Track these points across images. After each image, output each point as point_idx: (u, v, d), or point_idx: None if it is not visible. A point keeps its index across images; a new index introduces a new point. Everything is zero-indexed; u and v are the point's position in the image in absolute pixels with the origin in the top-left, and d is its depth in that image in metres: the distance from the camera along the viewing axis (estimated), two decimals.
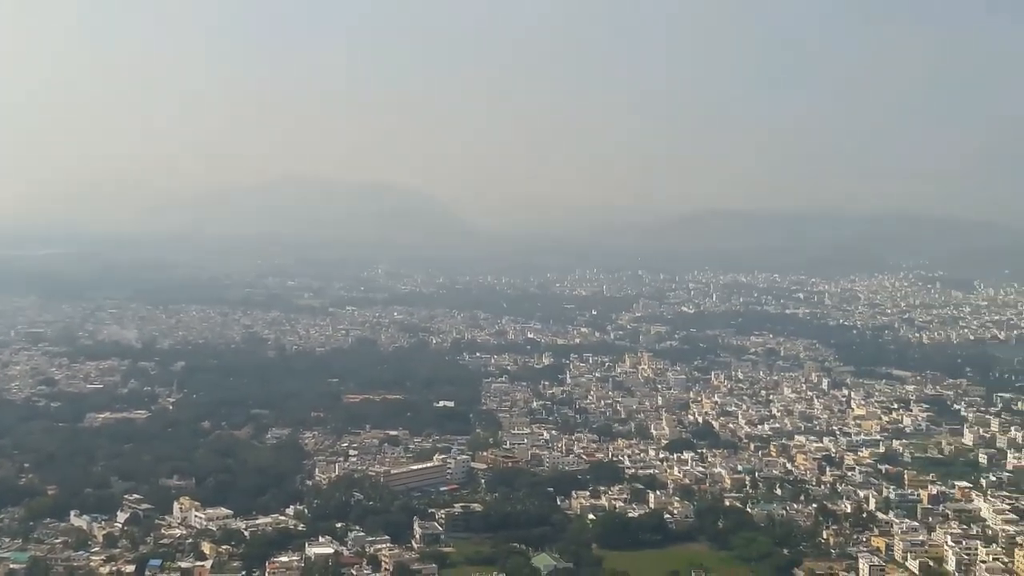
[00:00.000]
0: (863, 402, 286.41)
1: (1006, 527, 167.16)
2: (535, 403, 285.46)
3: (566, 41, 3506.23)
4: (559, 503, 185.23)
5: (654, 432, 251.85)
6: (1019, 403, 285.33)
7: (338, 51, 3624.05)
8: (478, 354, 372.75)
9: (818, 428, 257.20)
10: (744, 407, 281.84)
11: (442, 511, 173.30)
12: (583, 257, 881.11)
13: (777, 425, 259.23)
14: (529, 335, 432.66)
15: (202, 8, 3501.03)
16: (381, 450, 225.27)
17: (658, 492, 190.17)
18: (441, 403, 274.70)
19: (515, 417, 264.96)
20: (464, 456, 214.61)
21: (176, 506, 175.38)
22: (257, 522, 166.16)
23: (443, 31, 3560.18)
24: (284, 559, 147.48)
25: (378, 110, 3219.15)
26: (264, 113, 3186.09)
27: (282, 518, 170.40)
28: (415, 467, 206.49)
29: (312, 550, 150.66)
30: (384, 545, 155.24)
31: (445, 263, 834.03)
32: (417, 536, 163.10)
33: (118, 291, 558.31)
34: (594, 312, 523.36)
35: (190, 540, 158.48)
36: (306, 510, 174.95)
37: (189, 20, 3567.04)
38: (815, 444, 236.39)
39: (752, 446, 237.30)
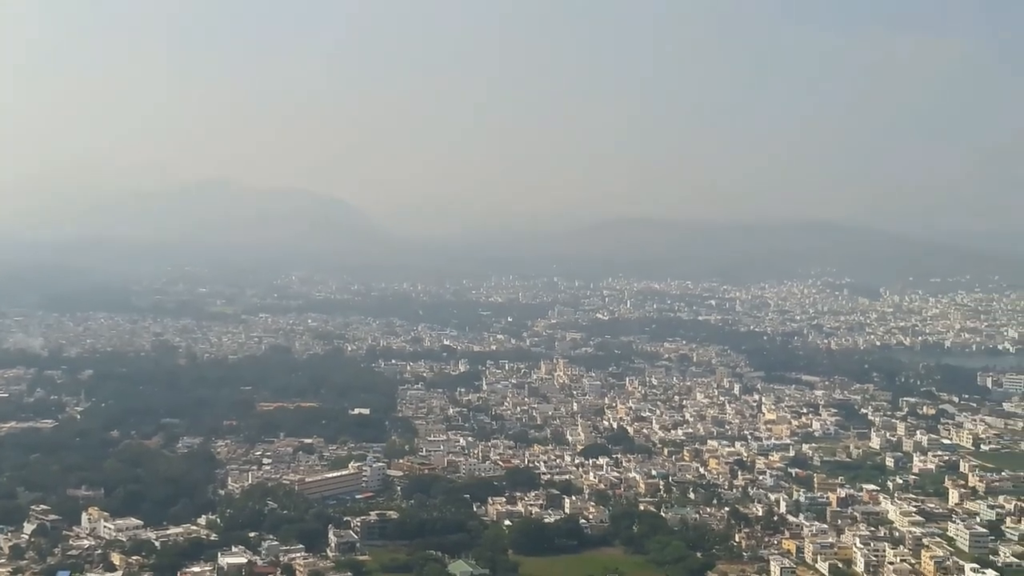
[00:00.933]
0: (774, 407, 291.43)
1: (912, 529, 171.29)
2: (451, 410, 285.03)
3: (479, 46, 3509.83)
4: (475, 510, 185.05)
5: (570, 438, 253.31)
6: (924, 407, 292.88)
7: (248, 55, 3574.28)
8: (394, 361, 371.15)
9: (730, 433, 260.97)
10: (658, 412, 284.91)
11: (358, 519, 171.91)
12: (500, 264, 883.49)
13: (690, 430, 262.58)
14: (445, 342, 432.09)
15: (106, 11, 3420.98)
16: (295, 458, 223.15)
17: (574, 497, 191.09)
18: (356, 411, 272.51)
19: (431, 424, 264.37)
20: (380, 464, 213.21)
21: (84, 517, 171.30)
22: (168, 532, 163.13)
23: (357, 36, 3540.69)
24: (196, 569, 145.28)
25: (292, 115, 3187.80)
26: (176, 118, 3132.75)
27: (194, 528, 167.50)
28: (330, 475, 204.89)
29: (225, 560, 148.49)
30: (298, 554, 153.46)
31: (360, 270, 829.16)
32: (332, 545, 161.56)
33: (23, 298, 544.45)
34: (510, 319, 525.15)
35: (99, 551, 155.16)
36: (218, 520, 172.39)
37: (103, 21, 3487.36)
38: (727, 448, 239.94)
39: (666, 451, 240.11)
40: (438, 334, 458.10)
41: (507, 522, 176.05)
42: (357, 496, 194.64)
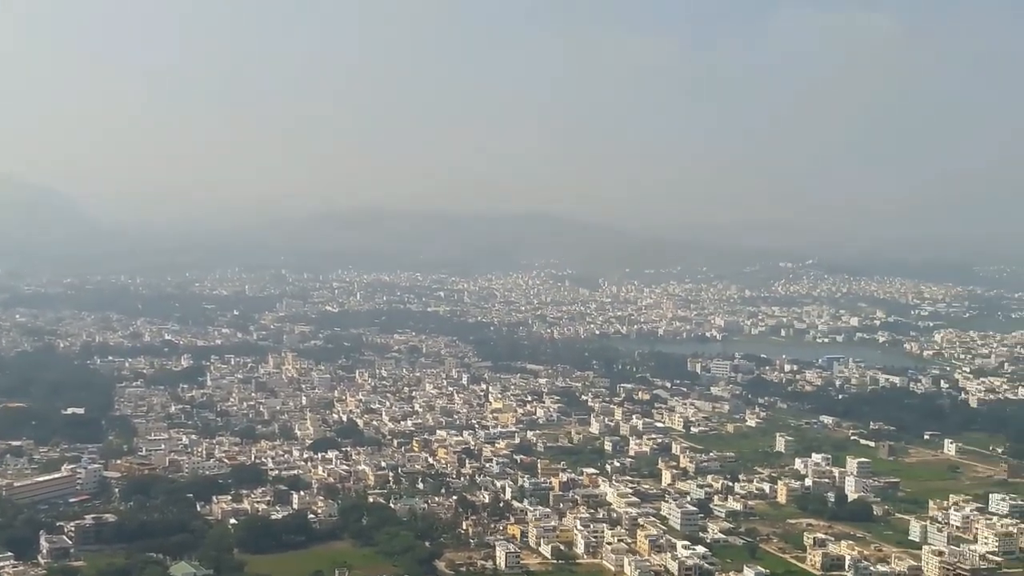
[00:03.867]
0: (500, 396, 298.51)
1: (629, 509, 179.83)
2: (173, 407, 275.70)
3: (207, 36, 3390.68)
4: (199, 509, 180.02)
5: (298, 432, 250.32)
6: (639, 393, 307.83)
7: None
8: (111, 358, 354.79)
9: (458, 422, 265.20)
10: (388, 404, 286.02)
11: (72, 524, 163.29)
12: (225, 255, 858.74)
13: (419, 421, 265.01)
14: (167, 336, 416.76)
15: None
16: (3, 462, 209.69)
17: (302, 492, 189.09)
18: (70, 410, 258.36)
19: (152, 423, 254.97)
20: (96, 465, 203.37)
21: None
22: None
23: (84, 18, 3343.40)
24: None
25: None
26: None
27: None
28: (41, 479, 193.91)
29: None
30: (7, 563, 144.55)
31: (74, 262, 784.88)
32: (44, 551, 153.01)
33: None
34: (236, 312, 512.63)
35: None
36: None
37: None
38: (455, 438, 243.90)
39: (395, 442, 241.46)
40: (159, 328, 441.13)
41: (233, 520, 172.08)
42: (71, 500, 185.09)
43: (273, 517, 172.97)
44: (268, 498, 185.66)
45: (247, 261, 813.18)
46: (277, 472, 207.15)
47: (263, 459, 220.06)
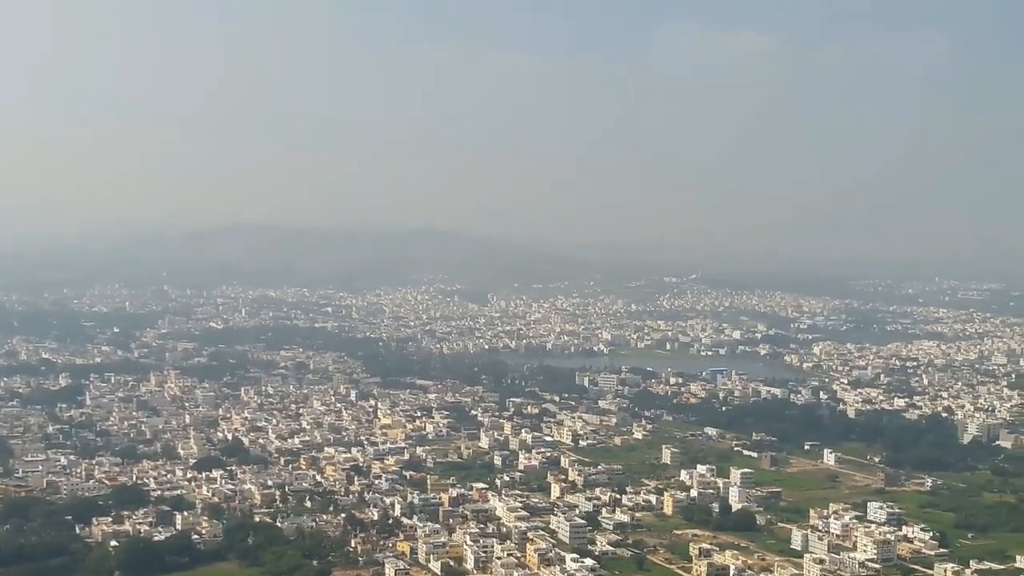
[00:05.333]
0: (389, 412, 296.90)
1: (518, 524, 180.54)
2: (51, 427, 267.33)
3: (91, 39, 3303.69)
4: (79, 532, 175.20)
5: (182, 452, 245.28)
6: (528, 407, 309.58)
7: None
8: None
9: (347, 439, 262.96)
10: (274, 422, 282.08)
11: None
12: (104, 272, 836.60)
13: (307, 438, 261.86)
14: (43, 355, 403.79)
15: None
16: None
17: (186, 513, 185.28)
18: None
19: (28, 443, 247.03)
20: None
21: None
22: None
23: None
24: None
25: None
26: None
27: None
28: None
29: None
30: None
31: None
32: None
33: None
34: (116, 329, 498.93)
35: None
36: None
37: None
38: (344, 455, 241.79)
39: (282, 460, 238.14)
40: (35, 347, 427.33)
41: (114, 543, 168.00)
42: None
43: (156, 539, 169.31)
44: (150, 519, 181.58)
45: (127, 278, 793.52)
46: (160, 493, 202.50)
47: (145, 479, 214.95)
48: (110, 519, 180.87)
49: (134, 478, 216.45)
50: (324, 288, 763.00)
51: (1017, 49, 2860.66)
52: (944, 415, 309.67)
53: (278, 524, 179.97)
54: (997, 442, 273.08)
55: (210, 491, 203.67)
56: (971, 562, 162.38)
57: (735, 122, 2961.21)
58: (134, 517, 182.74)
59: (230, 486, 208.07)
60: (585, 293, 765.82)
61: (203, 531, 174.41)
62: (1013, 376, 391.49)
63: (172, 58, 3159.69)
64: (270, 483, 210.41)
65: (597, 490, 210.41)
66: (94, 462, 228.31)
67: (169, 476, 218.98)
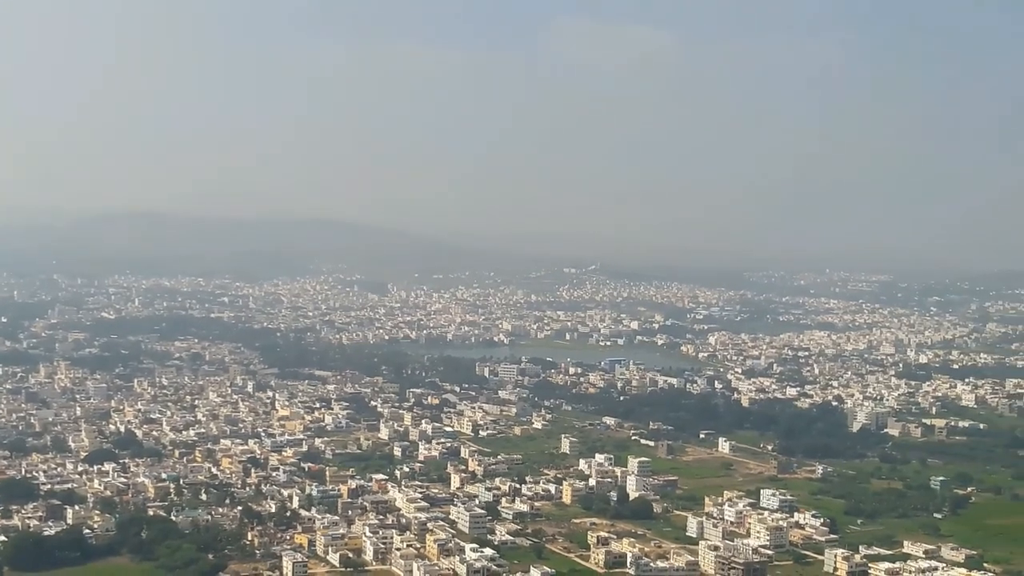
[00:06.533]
0: (287, 403, 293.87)
1: (418, 514, 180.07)
2: None
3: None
4: None
5: (72, 444, 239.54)
6: (429, 397, 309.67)
7: None
8: None
9: (244, 431, 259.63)
10: (169, 413, 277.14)
11: None
12: None
13: (203, 430, 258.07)
14: None
15: None
16: None
17: (77, 507, 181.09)
18: None
19: None
20: None
21: None
22: None
23: None
24: None
25: None
26: None
27: None
28: None
29: None
30: None
31: None
32: None
33: None
34: (3, 319, 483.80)
35: None
36: None
37: None
38: (241, 447, 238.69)
39: (177, 453, 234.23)
40: None
41: (2, 538, 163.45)
42: None
43: (45, 533, 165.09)
44: (40, 514, 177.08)
45: (14, 266, 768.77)
46: (50, 486, 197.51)
47: (34, 473, 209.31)
48: None
49: (23, 471, 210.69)
50: (220, 278, 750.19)
51: (912, 52, 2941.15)
52: (834, 404, 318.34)
53: (172, 518, 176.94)
54: (885, 430, 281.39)
55: (102, 484, 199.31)
56: (860, 547, 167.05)
57: (635, 118, 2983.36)
58: (23, 512, 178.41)
59: (123, 479, 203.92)
60: (485, 284, 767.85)
61: (95, 525, 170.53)
62: (900, 366, 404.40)
63: (63, 45, 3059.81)
64: (164, 476, 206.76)
65: (497, 480, 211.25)
66: None
67: (59, 469, 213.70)
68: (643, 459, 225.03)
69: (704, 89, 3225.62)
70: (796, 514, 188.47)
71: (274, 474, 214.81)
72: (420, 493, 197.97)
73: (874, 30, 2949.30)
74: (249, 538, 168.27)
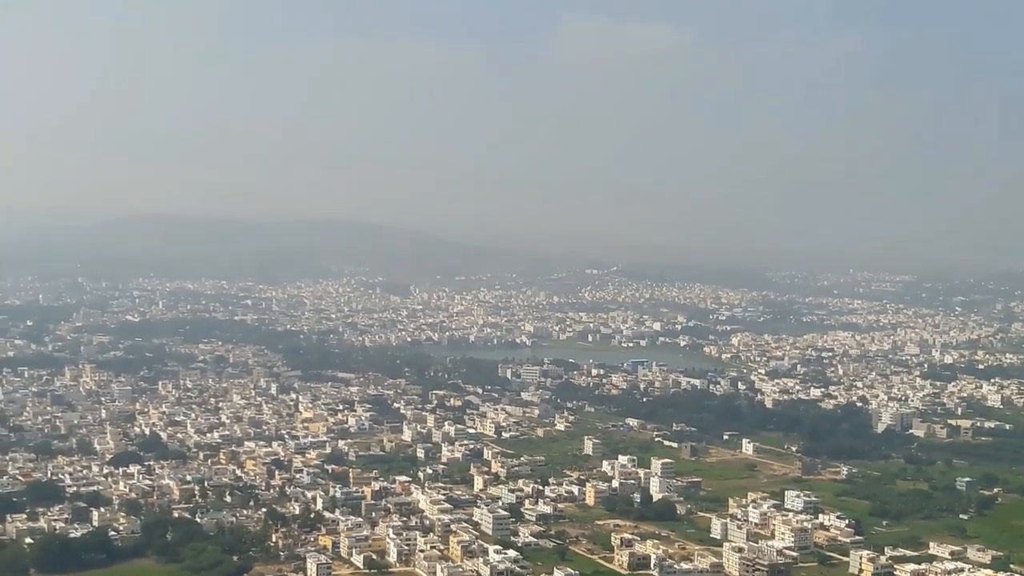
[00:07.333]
0: (310, 405, 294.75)
1: (441, 516, 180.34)
2: None
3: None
4: None
5: (98, 447, 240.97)
6: (451, 399, 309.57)
7: None
8: None
9: (267, 433, 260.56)
10: (193, 416, 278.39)
11: None
12: (14, 263, 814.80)
13: (227, 432, 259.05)
14: None
15: None
16: None
17: (103, 509, 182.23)
18: None
19: None
20: None
21: None
22: None
23: None
24: None
25: None
26: None
27: None
28: None
29: None
30: None
31: None
32: None
33: None
34: (29, 322, 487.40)
35: None
36: None
37: None
38: (264, 449, 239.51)
39: (201, 455, 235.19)
40: None
41: (28, 540, 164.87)
42: None
43: (72, 535, 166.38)
44: (66, 516, 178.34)
45: (40, 269, 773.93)
46: (76, 489, 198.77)
47: (60, 475, 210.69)
48: (24, 516, 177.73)
49: (49, 474, 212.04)
50: (243, 280, 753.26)
51: (932, 46, 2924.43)
52: (859, 405, 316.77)
53: (197, 520, 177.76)
54: (910, 431, 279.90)
55: (127, 487, 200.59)
56: (886, 549, 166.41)
57: (653, 114, 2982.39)
58: (49, 514, 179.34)
59: (148, 481, 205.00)
60: (507, 285, 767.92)
61: (120, 527, 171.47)
62: (925, 366, 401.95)
63: (63, 46, 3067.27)
64: (189, 478, 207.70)
65: (520, 482, 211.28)
66: (7, 458, 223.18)
67: (85, 472, 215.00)
68: (666, 460, 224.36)
69: (718, 86, 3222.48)
70: (821, 515, 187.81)
71: (298, 476, 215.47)
72: (443, 495, 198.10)
73: (898, 25, 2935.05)
74: (273, 540, 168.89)
